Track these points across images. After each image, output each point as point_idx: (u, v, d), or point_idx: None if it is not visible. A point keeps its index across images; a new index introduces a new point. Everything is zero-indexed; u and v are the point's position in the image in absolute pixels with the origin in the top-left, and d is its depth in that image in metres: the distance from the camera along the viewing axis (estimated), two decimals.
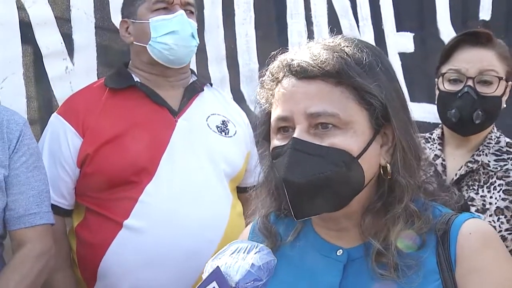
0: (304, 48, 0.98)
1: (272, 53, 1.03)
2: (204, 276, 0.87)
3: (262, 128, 1.03)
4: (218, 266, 0.85)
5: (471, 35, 1.71)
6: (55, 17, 1.91)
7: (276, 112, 0.97)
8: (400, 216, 0.94)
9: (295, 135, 0.93)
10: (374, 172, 0.96)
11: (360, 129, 0.93)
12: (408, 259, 0.93)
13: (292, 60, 0.96)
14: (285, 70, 0.97)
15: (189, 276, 1.61)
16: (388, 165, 0.95)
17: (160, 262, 1.59)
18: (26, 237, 1.49)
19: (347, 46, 0.96)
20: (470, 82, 1.65)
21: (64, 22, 1.94)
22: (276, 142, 0.97)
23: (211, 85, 1.91)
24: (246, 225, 1.15)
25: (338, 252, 0.99)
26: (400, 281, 0.92)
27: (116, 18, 2.02)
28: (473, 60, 1.66)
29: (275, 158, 0.96)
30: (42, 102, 1.92)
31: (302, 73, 0.94)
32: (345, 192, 0.94)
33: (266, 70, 1.01)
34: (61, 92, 1.91)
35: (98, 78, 1.97)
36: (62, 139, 1.67)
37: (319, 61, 0.93)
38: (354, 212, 0.97)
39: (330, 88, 0.93)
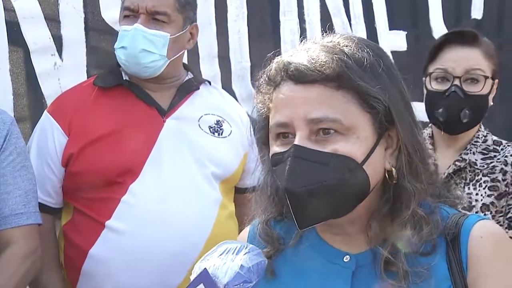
0: (301, 49, 0.93)
1: (268, 55, 0.98)
2: (192, 278, 0.84)
3: (261, 133, 0.99)
4: (205, 268, 0.83)
5: (457, 34, 1.72)
6: (42, 11, 1.88)
7: (274, 118, 0.92)
8: (408, 222, 0.91)
9: (296, 142, 0.88)
10: (379, 177, 0.92)
11: (363, 134, 0.89)
12: (418, 266, 0.90)
13: (290, 63, 0.91)
14: (282, 73, 0.92)
15: (172, 278, 1.58)
16: (393, 169, 0.91)
17: (142, 264, 1.57)
18: (12, 238, 1.47)
19: (347, 46, 0.91)
20: (457, 81, 1.65)
21: (52, 17, 1.91)
22: (276, 148, 0.92)
23: (210, 83, 1.87)
24: (240, 227, 1.12)
25: (345, 258, 0.95)
26: None
27: (106, 13, 1.99)
28: (460, 59, 1.66)
29: (275, 165, 0.92)
30: (29, 99, 1.89)
31: (300, 78, 0.89)
32: (349, 199, 0.90)
33: (263, 73, 0.96)
34: (50, 89, 1.88)
35: (87, 74, 1.94)
36: (49, 137, 1.65)
37: (318, 64, 0.88)
38: (358, 217, 0.94)
39: (331, 92, 0.88)
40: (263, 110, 0.97)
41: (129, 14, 1.65)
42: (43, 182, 1.63)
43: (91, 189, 1.62)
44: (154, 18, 1.65)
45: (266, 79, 0.95)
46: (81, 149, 1.62)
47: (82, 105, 1.67)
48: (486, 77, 1.65)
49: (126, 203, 1.60)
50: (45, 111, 1.72)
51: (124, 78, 1.72)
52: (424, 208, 0.94)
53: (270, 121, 0.94)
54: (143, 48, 1.63)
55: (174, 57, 1.70)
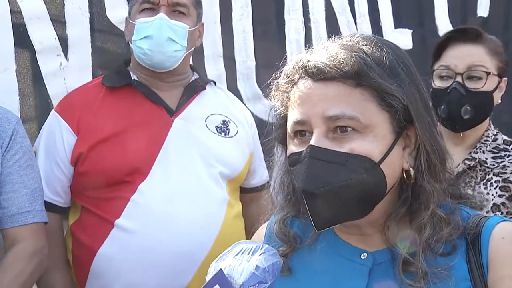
0: (320, 48, 0.93)
1: (290, 57, 0.97)
2: (208, 278, 0.84)
3: (278, 132, 0.98)
4: (221, 269, 0.82)
5: (459, 31, 1.73)
6: (48, 12, 1.88)
7: (292, 116, 0.92)
8: (427, 224, 0.90)
9: (312, 142, 0.88)
10: (396, 177, 0.91)
11: (381, 133, 0.88)
12: (437, 266, 0.89)
13: (308, 61, 0.91)
14: (301, 71, 0.92)
15: (181, 278, 1.58)
16: (411, 169, 0.91)
17: (151, 263, 1.56)
18: (19, 236, 1.47)
19: (366, 45, 0.91)
20: (459, 78, 1.66)
21: (57, 17, 1.90)
22: (293, 147, 0.92)
23: (215, 83, 1.88)
24: (255, 227, 1.11)
25: (362, 255, 0.94)
26: None
27: (111, 13, 1.99)
28: (462, 56, 1.67)
29: (293, 165, 0.91)
30: (35, 100, 1.88)
31: (319, 75, 0.89)
32: (367, 199, 0.89)
33: (281, 72, 0.96)
34: (55, 89, 1.88)
35: (93, 75, 1.94)
36: (58, 137, 1.65)
37: (336, 61, 0.88)
38: (376, 218, 0.93)
39: (349, 90, 0.88)
40: (281, 108, 0.96)
41: (149, 6, 1.66)
42: (52, 181, 1.63)
43: (100, 188, 1.61)
44: (173, 10, 1.67)
45: (285, 77, 0.95)
46: (90, 148, 1.62)
47: (90, 105, 1.67)
48: (488, 74, 1.65)
49: (135, 202, 1.59)
50: (53, 111, 1.72)
51: (132, 78, 1.73)
52: (443, 209, 0.93)
53: (288, 119, 0.94)
54: (168, 36, 1.64)
55: (188, 51, 1.72)
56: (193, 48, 1.76)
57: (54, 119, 1.68)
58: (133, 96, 1.69)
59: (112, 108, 1.67)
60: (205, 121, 1.74)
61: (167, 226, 1.58)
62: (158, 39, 1.63)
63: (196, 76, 1.82)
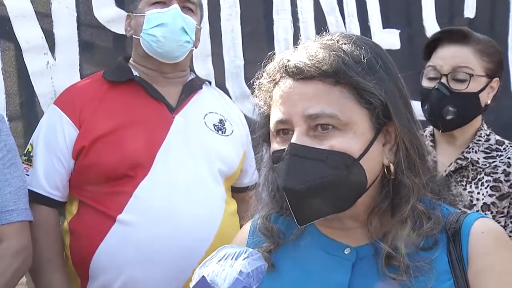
0: (301, 47, 0.95)
1: (272, 55, 0.99)
2: (191, 285, 0.84)
3: (262, 130, 1.00)
4: (203, 276, 0.82)
5: (447, 32, 1.74)
6: (34, 10, 1.87)
7: (274, 115, 0.94)
8: (408, 218, 0.92)
9: (293, 140, 0.90)
10: (377, 172, 0.94)
11: (361, 129, 0.90)
12: (419, 260, 0.91)
13: (289, 60, 0.93)
14: (281, 71, 0.94)
15: (182, 273, 1.58)
16: (391, 165, 0.93)
17: (153, 258, 1.57)
18: (3, 235, 1.46)
19: (345, 44, 0.93)
20: (443, 79, 1.68)
21: (44, 16, 1.89)
22: (275, 145, 0.94)
23: (210, 83, 1.90)
24: (241, 225, 1.12)
25: (345, 250, 0.96)
26: (412, 284, 0.90)
27: (98, 12, 1.98)
28: (447, 57, 1.68)
29: (276, 162, 0.93)
30: (22, 98, 1.87)
31: (298, 74, 0.91)
32: (347, 194, 0.91)
33: (263, 71, 0.98)
34: (42, 88, 1.87)
35: (80, 74, 1.93)
36: (58, 130, 1.64)
37: (315, 60, 0.90)
38: (359, 213, 0.95)
39: (328, 88, 0.90)
40: (264, 108, 0.98)
41: (160, 0, 1.70)
42: (51, 175, 1.63)
43: (102, 183, 1.61)
44: (183, 6, 1.71)
45: (267, 77, 0.96)
46: (92, 142, 1.62)
47: (91, 99, 1.67)
48: (471, 75, 1.66)
49: (138, 197, 1.60)
50: (52, 104, 1.71)
51: (134, 74, 1.73)
52: (424, 203, 0.95)
53: (270, 118, 0.95)
54: (182, 26, 1.68)
55: (192, 48, 1.75)
56: (193, 48, 1.78)
57: (54, 113, 1.67)
58: (135, 92, 1.71)
59: (114, 103, 1.68)
60: (204, 119, 1.76)
61: (170, 221, 1.58)
62: (172, 27, 1.66)
63: (193, 75, 1.84)
